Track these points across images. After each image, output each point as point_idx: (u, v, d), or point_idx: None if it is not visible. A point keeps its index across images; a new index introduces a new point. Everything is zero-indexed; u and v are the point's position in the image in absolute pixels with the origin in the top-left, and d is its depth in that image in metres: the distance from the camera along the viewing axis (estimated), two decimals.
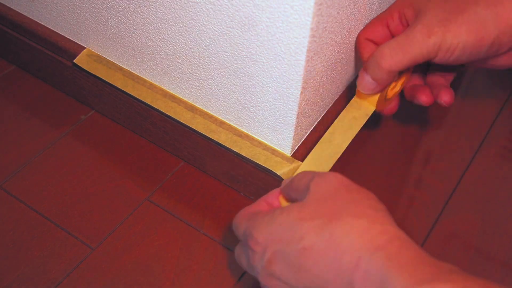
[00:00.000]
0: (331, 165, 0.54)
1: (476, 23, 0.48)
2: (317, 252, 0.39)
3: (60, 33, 0.65)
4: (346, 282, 0.38)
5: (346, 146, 0.54)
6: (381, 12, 0.58)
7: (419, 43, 0.48)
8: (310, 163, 0.54)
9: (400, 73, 0.53)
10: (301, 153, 0.56)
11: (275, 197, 0.48)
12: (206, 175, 0.62)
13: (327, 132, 0.55)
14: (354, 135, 0.55)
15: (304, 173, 0.46)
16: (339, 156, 0.54)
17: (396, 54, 0.49)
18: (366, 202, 0.41)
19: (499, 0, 0.48)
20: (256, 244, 0.42)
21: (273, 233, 0.41)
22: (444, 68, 0.57)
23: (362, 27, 0.55)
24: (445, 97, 0.55)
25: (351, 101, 0.56)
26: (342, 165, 0.64)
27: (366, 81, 0.51)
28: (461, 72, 0.62)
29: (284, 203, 0.48)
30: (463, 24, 0.48)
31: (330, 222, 0.39)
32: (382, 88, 0.52)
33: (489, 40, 0.48)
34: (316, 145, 0.55)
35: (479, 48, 0.49)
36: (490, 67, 0.54)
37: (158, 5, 0.52)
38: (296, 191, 0.45)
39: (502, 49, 0.50)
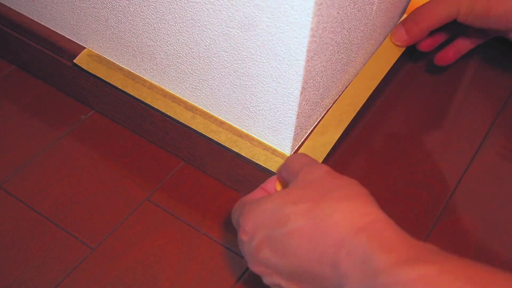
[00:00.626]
0: (323, 157, 0.55)
1: None
2: (302, 235, 0.39)
3: (60, 33, 0.65)
4: (330, 263, 0.38)
5: (337, 138, 0.56)
6: (381, 12, 0.58)
7: (445, 5, 0.57)
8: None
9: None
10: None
11: (272, 184, 0.49)
12: (206, 175, 0.62)
13: (319, 124, 0.56)
14: (345, 128, 0.57)
15: (298, 156, 0.46)
16: (331, 147, 0.55)
17: (429, 15, 0.58)
18: (349, 187, 0.41)
19: None
20: (244, 233, 0.43)
21: (259, 220, 0.42)
22: (473, 33, 0.64)
23: (362, 27, 0.55)
24: (440, 54, 0.65)
25: (383, 44, 0.62)
26: (341, 166, 0.64)
27: (400, 33, 0.61)
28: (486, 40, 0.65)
29: (279, 188, 0.48)
30: None
31: (314, 206, 0.40)
32: (413, 42, 0.61)
33: (497, 12, 0.55)
34: (308, 137, 0.55)
35: (489, 18, 0.56)
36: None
37: (158, 5, 0.52)
38: (288, 173, 0.45)
39: (510, 23, 0.56)
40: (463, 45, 0.65)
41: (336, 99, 0.58)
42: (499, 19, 0.56)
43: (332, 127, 0.57)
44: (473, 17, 0.57)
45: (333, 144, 0.56)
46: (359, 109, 0.58)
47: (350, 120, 0.57)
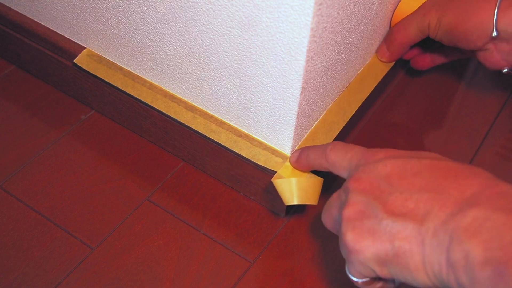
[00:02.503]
0: None
1: (457, 12, 0.56)
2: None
3: (60, 33, 0.65)
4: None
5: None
6: (381, 12, 0.58)
7: (416, 21, 0.59)
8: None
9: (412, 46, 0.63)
10: None
11: None
12: (206, 175, 0.62)
13: (310, 131, 0.57)
14: (334, 138, 0.58)
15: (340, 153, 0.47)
16: None
17: (404, 31, 0.60)
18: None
19: (482, 0, 0.54)
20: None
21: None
22: (446, 51, 0.66)
23: (362, 27, 0.55)
24: (418, 61, 0.67)
25: (369, 62, 0.64)
26: None
27: (382, 50, 0.63)
28: (462, 57, 0.67)
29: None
30: (448, 11, 0.56)
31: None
32: (395, 58, 0.64)
33: (460, 30, 0.56)
34: (298, 145, 0.56)
35: (454, 35, 0.57)
36: (482, 61, 0.60)
37: (158, 5, 0.52)
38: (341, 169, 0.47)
39: (472, 44, 0.57)
40: (439, 57, 0.67)
41: (326, 109, 0.59)
42: (461, 37, 0.56)
43: (323, 135, 0.57)
44: (442, 34, 0.58)
45: None
46: (348, 120, 0.59)
47: (339, 130, 0.58)
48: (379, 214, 0.40)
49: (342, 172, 0.47)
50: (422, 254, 0.39)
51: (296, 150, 0.54)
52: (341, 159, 0.46)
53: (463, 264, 0.36)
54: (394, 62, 0.65)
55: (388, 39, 0.62)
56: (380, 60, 0.64)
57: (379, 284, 0.44)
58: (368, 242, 0.41)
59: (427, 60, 0.67)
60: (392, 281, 0.44)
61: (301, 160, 0.52)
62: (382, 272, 0.41)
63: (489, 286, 0.35)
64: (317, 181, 0.54)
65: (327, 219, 0.46)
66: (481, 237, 0.36)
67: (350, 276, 0.44)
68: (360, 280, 0.43)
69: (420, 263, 0.39)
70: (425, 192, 0.39)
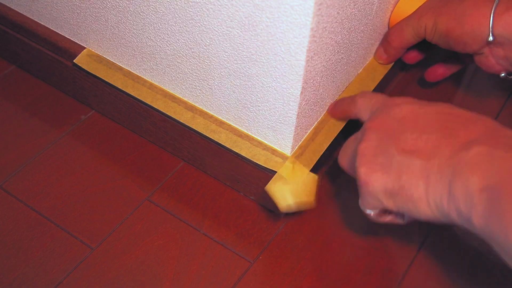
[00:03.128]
0: (313, 164, 0.55)
1: (453, 16, 0.56)
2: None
3: (60, 33, 0.65)
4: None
5: (326, 148, 0.57)
6: (381, 12, 0.58)
7: (412, 24, 0.59)
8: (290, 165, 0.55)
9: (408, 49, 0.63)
10: (301, 153, 0.56)
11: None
12: (206, 175, 0.62)
13: (310, 131, 0.57)
14: (333, 138, 0.58)
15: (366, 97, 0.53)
16: (320, 155, 0.56)
17: (400, 34, 0.60)
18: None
19: (478, 4, 0.54)
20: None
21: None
22: (448, 59, 0.66)
23: (362, 27, 0.55)
24: (429, 72, 0.67)
25: (369, 63, 0.64)
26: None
27: (380, 52, 0.63)
28: (463, 68, 0.66)
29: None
30: (445, 14, 0.56)
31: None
32: (392, 60, 0.64)
33: (456, 33, 0.56)
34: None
35: (450, 38, 0.57)
36: (478, 65, 0.59)
37: (158, 5, 0.52)
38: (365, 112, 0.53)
39: (468, 47, 0.56)
40: (451, 67, 0.66)
41: (327, 110, 0.59)
42: (457, 40, 0.56)
43: (323, 135, 0.57)
44: (438, 37, 0.58)
45: (322, 152, 0.57)
46: (346, 122, 0.59)
47: (338, 132, 0.58)
48: (391, 150, 0.45)
49: (366, 116, 0.52)
50: (426, 187, 0.42)
51: (334, 101, 0.59)
52: (367, 104, 0.52)
53: (463, 193, 0.40)
54: (392, 64, 0.65)
55: (384, 41, 0.62)
56: (378, 62, 0.64)
57: (389, 217, 0.49)
58: (378, 175, 0.45)
59: (439, 71, 0.66)
60: (402, 216, 0.49)
61: (336, 107, 0.57)
62: (389, 204, 0.46)
63: (486, 211, 0.38)
64: (312, 179, 0.54)
65: (343, 159, 0.51)
66: (480, 169, 0.39)
67: (362, 208, 0.49)
68: (371, 212, 0.48)
69: (424, 195, 0.43)
70: (434, 133, 0.43)
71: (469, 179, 0.39)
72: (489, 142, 0.40)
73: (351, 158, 0.49)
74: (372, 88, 0.63)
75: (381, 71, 0.64)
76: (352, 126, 0.66)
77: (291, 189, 0.53)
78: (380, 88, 0.67)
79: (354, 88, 0.61)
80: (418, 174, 0.43)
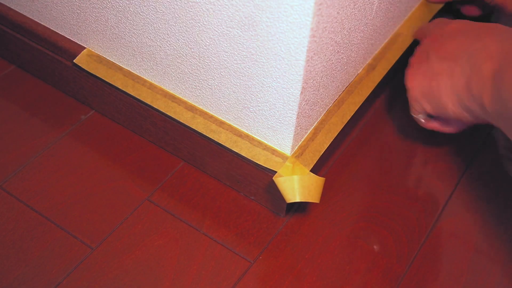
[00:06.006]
0: (313, 164, 0.56)
1: None
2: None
3: (60, 33, 0.65)
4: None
5: (326, 147, 0.57)
6: (381, 12, 0.58)
7: None
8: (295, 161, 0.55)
9: None
10: (301, 153, 0.56)
11: None
12: (206, 175, 0.62)
13: (310, 131, 0.57)
14: (333, 138, 0.58)
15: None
16: (320, 155, 0.56)
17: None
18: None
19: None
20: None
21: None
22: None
23: (362, 27, 0.55)
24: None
25: (369, 62, 0.65)
26: (342, 165, 0.64)
27: None
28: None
29: None
30: None
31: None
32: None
33: None
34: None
35: None
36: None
37: (158, 5, 0.52)
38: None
39: None
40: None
41: (326, 109, 0.59)
42: None
43: (323, 135, 0.58)
44: None
45: (322, 152, 0.57)
46: (347, 121, 0.59)
47: (338, 132, 0.59)
48: (432, 58, 0.53)
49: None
50: (451, 84, 0.51)
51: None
52: (428, 26, 0.60)
53: (476, 83, 0.48)
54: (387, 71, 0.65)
55: None
56: (428, 1, 0.68)
57: (435, 124, 0.58)
58: (418, 80, 0.54)
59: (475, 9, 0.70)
60: (446, 122, 0.57)
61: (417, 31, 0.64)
62: (427, 106, 0.55)
63: (494, 86, 0.46)
64: (319, 180, 0.54)
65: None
66: (493, 57, 0.47)
67: (412, 115, 0.58)
68: (420, 117, 0.57)
69: (450, 91, 0.51)
70: (467, 40, 0.51)
71: (482, 67, 0.47)
72: (505, 41, 0.48)
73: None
74: (373, 87, 0.63)
75: (382, 71, 0.64)
76: (351, 126, 0.66)
77: (299, 179, 0.53)
78: (381, 88, 0.67)
79: (354, 87, 0.61)
80: (446, 74, 0.51)
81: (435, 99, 0.53)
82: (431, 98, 0.53)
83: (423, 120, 0.58)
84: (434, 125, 0.58)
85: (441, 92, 0.52)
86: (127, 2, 0.55)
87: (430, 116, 0.57)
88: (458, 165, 0.64)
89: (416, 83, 0.54)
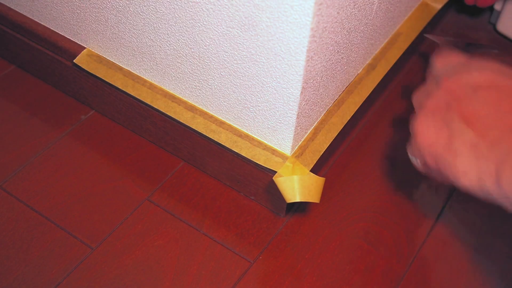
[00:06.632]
0: (313, 164, 0.55)
1: None
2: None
3: (60, 33, 0.65)
4: None
5: (326, 147, 0.57)
6: (381, 12, 0.58)
7: None
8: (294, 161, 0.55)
9: None
10: (301, 153, 0.56)
11: None
12: (206, 175, 0.62)
13: (310, 131, 0.57)
14: (334, 137, 0.58)
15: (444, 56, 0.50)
16: (320, 155, 0.56)
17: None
18: None
19: None
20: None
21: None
22: None
23: (362, 27, 0.55)
24: None
25: (370, 62, 0.63)
26: (342, 165, 0.64)
27: None
28: None
29: None
30: None
31: None
32: None
33: None
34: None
35: None
36: None
37: (158, 5, 0.52)
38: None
39: None
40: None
41: (326, 109, 0.59)
42: None
43: (322, 135, 0.57)
44: None
45: (322, 152, 0.57)
46: (347, 121, 0.59)
47: (338, 132, 0.58)
48: (452, 114, 0.44)
49: (442, 72, 0.49)
50: (473, 160, 0.42)
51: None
52: (444, 61, 0.50)
53: (510, 171, 0.39)
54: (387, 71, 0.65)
55: None
56: None
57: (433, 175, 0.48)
58: (431, 132, 0.45)
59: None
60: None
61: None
62: (430, 161, 0.46)
63: None
64: (319, 180, 0.54)
65: (417, 94, 0.50)
66: None
67: (409, 153, 0.49)
68: (416, 161, 0.48)
69: (468, 167, 0.42)
70: (499, 111, 0.42)
71: None
72: None
73: (417, 104, 0.49)
74: (373, 87, 0.63)
75: (382, 71, 0.64)
76: (351, 126, 0.66)
77: (299, 179, 0.53)
78: (381, 87, 0.67)
79: (354, 87, 0.61)
80: (469, 145, 0.43)
81: (446, 165, 0.44)
82: (441, 161, 0.45)
83: (418, 165, 0.49)
84: (431, 176, 0.49)
85: (458, 163, 0.43)
86: (127, 2, 0.55)
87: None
88: None
89: (426, 134, 0.46)
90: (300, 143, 0.56)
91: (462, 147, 0.43)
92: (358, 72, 0.62)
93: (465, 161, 0.43)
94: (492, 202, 0.42)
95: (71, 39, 0.65)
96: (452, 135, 0.44)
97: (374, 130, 0.67)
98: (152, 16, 0.54)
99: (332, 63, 0.53)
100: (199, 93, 0.57)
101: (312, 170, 0.55)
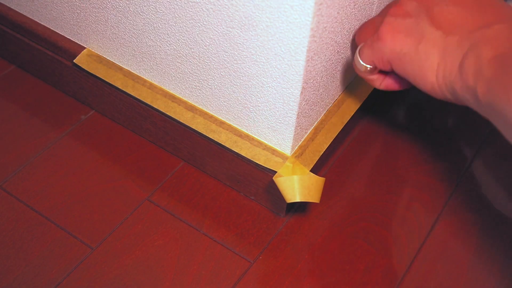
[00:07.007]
0: (313, 164, 0.56)
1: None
2: None
3: (60, 33, 0.65)
4: None
5: (326, 148, 0.57)
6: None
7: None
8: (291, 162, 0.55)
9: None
10: (301, 153, 0.56)
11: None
12: (206, 175, 0.62)
13: (310, 132, 0.57)
14: (334, 137, 0.58)
15: None
16: (320, 155, 0.56)
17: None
18: None
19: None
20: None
21: None
22: None
23: None
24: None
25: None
26: (342, 165, 0.64)
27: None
28: None
29: None
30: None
31: None
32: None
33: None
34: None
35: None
36: None
37: (158, 5, 0.52)
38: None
39: None
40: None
41: (326, 110, 0.59)
42: None
43: (322, 135, 0.57)
44: None
45: (322, 152, 0.57)
46: (346, 122, 0.59)
47: (338, 132, 0.58)
48: (423, 19, 0.46)
49: None
50: (440, 58, 0.44)
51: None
52: None
53: (473, 64, 0.41)
54: None
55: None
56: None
57: (375, 76, 0.51)
58: (401, 36, 0.46)
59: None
60: (383, 78, 0.51)
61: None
62: (394, 64, 0.47)
63: (492, 77, 0.40)
64: (319, 180, 0.54)
65: (364, 29, 0.51)
66: (495, 43, 0.41)
67: (358, 59, 0.50)
68: (366, 66, 0.50)
69: (435, 65, 0.45)
70: (466, 11, 0.45)
71: (482, 50, 0.41)
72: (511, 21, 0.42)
73: (377, 24, 0.49)
74: (371, 89, 0.63)
75: None
76: (351, 126, 0.66)
77: (299, 178, 0.53)
78: None
79: (355, 87, 0.61)
80: (436, 44, 0.45)
81: (414, 66, 0.46)
82: (408, 62, 0.46)
83: (366, 70, 0.50)
84: (373, 77, 0.51)
85: (425, 62, 0.45)
86: (127, 2, 0.55)
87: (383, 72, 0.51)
88: (458, 164, 0.64)
89: (396, 38, 0.46)
90: (300, 143, 0.56)
91: (431, 48, 0.45)
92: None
93: (433, 59, 0.45)
94: (456, 102, 0.45)
95: (71, 39, 0.65)
96: (421, 37, 0.45)
97: (374, 130, 0.67)
98: (152, 16, 0.54)
99: (332, 63, 0.53)
100: (199, 93, 0.57)
101: (312, 170, 0.55)
